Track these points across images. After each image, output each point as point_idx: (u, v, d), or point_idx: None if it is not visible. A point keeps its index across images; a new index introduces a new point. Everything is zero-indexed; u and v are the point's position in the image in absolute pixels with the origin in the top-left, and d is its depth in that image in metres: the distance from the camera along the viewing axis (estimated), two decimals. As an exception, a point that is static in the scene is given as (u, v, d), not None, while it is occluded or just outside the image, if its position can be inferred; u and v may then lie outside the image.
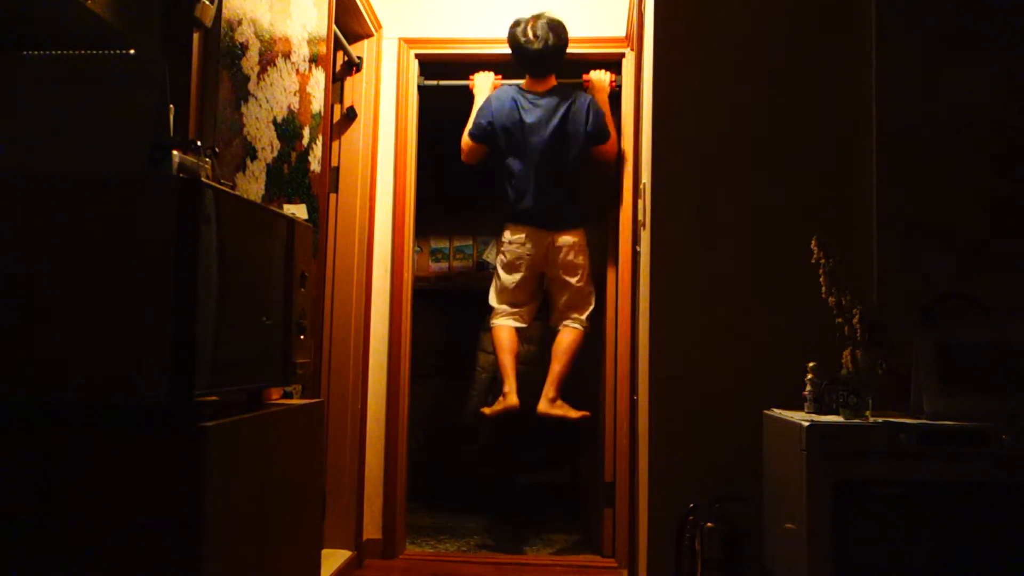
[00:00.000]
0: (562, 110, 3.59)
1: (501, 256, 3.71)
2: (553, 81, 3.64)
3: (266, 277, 1.68)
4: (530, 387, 3.73)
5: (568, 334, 3.63)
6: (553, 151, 3.58)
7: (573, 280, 3.63)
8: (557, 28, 3.53)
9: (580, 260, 3.62)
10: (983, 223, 2.37)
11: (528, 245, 3.61)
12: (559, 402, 3.55)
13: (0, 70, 1.55)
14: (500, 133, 3.61)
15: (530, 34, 3.51)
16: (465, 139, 3.70)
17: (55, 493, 1.36)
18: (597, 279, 3.74)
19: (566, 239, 3.59)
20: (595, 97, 3.66)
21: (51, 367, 1.37)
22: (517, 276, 3.65)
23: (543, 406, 3.54)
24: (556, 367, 3.58)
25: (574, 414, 3.55)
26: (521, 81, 3.69)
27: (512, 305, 3.69)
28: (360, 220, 3.57)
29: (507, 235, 3.67)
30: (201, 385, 1.37)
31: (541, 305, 3.83)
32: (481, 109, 3.68)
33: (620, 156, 3.64)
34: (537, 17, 3.53)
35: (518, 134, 3.59)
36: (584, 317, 3.64)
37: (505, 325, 3.67)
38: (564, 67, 3.69)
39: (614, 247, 3.69)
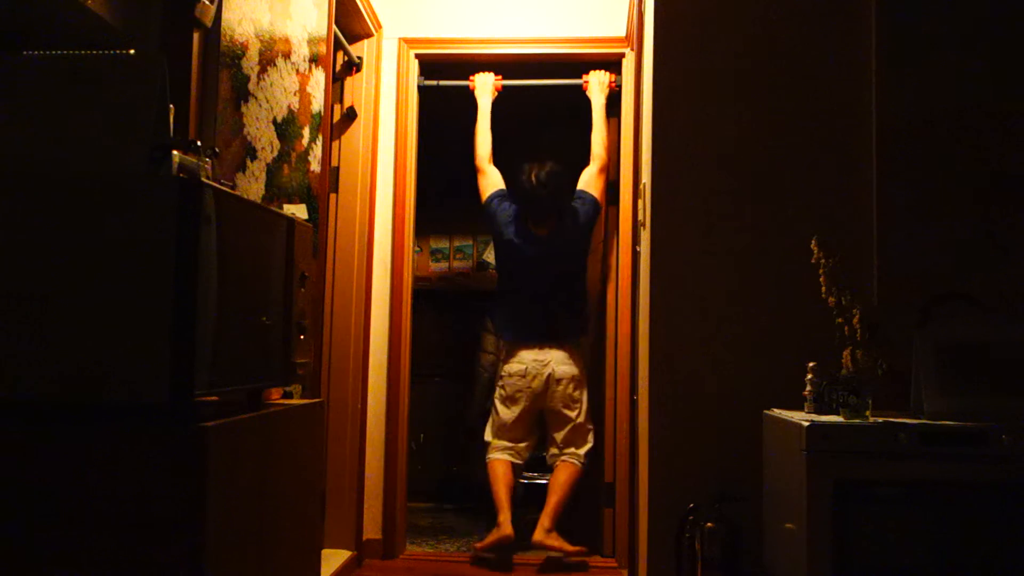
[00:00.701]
0: (560, 242, 3.66)
1: (500, 390, 3.72)
2: (554, 222, 3.69)
3: (266, 277, 1.68)
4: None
5: (565, 469, 3.61)
6: (555, 277, 3.67)
7: (573, 415, 3.63)
8: (559, 176, 3.64)
9: (579, 395, 3.64)
10: (983, 223, 2.37)
11: (528, 378, 3.62)
12: (554, 534, 3.52)
13: (0, 70, 1.55)
14: (503, 238, 3.71)
15: (534, 181, 3.61)
16: (478, 173, 3.77)
17: (55, 493, 1.36)
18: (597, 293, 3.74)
19: (566, 370, 3.61)
20: (593, 100, 3.66)
21: (51, 367, 1.37)
22: (516, 410, 3.65)
23: (539, 535, 3.51)
24: (553, 500, 3.57)
25: (570, 548, 3.52)
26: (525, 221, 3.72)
27: (510, 441, 3.69)
28: (360, 220, 3.56)
29: (506, 368, 3.69)
30: (201, 385, 1.37)
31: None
32: (500, 202, 3.73)
33: (619, 156, 3.63)
34: (542, 165, 3.63)
35: (518, 260, 3.69)
36: (582, 453, 3.63)
37: (501, 459, 3.66)
38: (564, 68, 3.69)
39: (614, 247, 3.69)
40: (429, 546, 3.85)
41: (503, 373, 3.71)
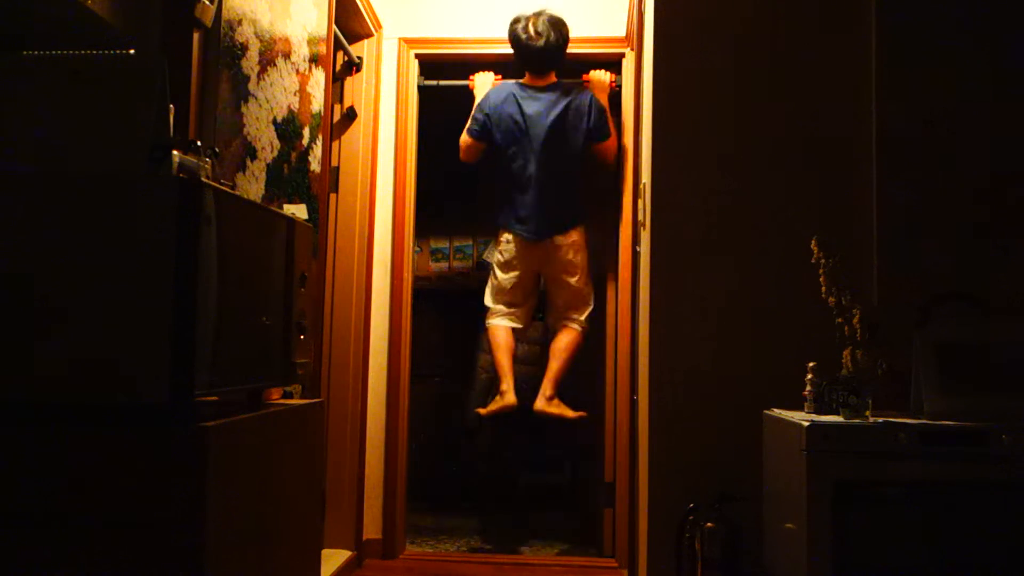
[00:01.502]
0: (562, 104, 3.58)
1: (498, 255, 3.69)
2: (553, 78, 3.64)
3: (266, 277, 1.68)
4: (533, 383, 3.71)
5: (566, 334, 3.61)
6: (553, 144, 3.56)
7: (572, 280, 3.61)
8: (558, 24, 3.52)
9: (579, 259, 3.60)
10: (983, 222, 2.37)
11: (527, 244, 3.60)
12: (556, 401, 3.53)
13: (0, 70, 1.55)
14: (498, 125, 3.60)
15: (531, 31, 3.50)
16: (464, 137, 3.70)
17: (55, 493, 1.36)
18: (596, 279, 3.73)
19: (564, 238, 3.58)
20: (595, 96, 3.66)
21: (51, 367, 1.37)
22: (514, 275, 3.64)
23: (540, 404, 3.52)
24: (554, 366, 3.57)
25: (571, 414, 3.53)
26: (521, 79, 3.69)
27: (509, 305, 3.67)
28: (360, 220, 3.57)
29: (505, 235, 3.66)
30: (201, 385, 1.37)
31: (539, 305, 3.82)
32: (479, 104, 3.68)
33: (620, 155, 3.64)
34: (538, 14, 3.52)
35: (517, 127, 3.57)
36: (583, 318, 3.62)
37: (501, 325, 3.66)
38: (565, 68, 3.69)
39: (614, 247, 3.69)
40: (429, 546, 3.85)
41: (501, 239, 3.67)
